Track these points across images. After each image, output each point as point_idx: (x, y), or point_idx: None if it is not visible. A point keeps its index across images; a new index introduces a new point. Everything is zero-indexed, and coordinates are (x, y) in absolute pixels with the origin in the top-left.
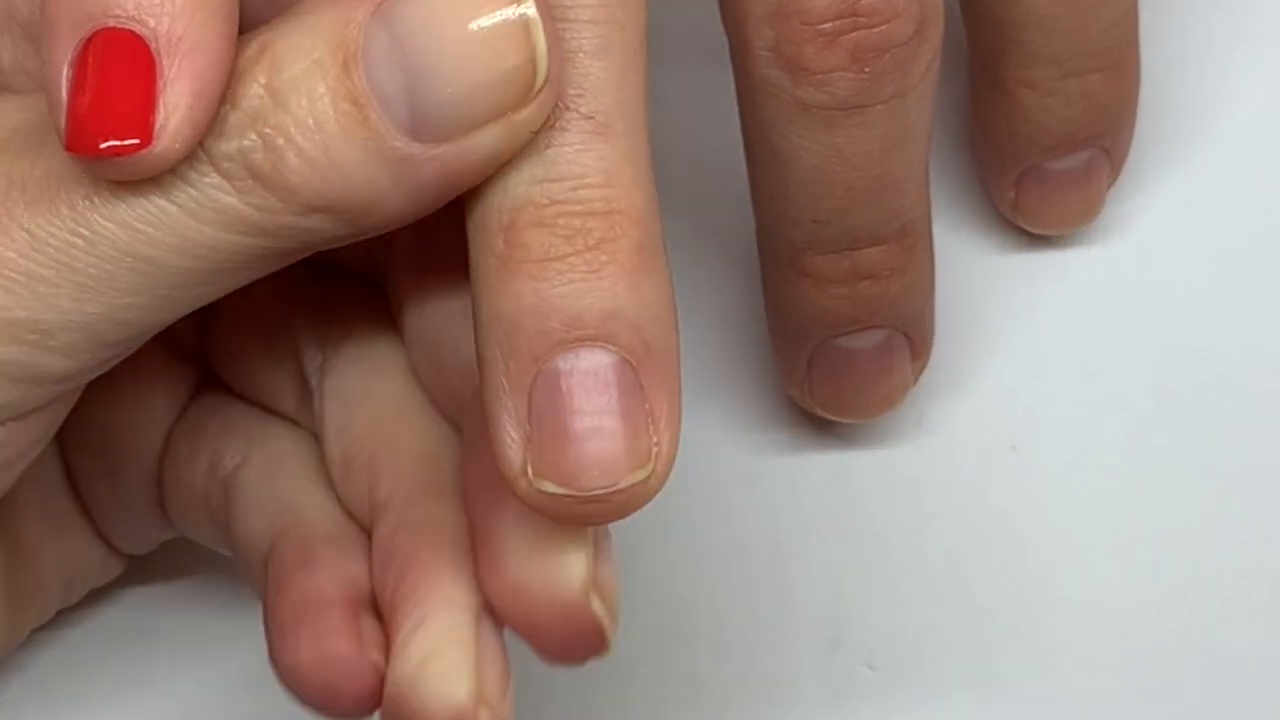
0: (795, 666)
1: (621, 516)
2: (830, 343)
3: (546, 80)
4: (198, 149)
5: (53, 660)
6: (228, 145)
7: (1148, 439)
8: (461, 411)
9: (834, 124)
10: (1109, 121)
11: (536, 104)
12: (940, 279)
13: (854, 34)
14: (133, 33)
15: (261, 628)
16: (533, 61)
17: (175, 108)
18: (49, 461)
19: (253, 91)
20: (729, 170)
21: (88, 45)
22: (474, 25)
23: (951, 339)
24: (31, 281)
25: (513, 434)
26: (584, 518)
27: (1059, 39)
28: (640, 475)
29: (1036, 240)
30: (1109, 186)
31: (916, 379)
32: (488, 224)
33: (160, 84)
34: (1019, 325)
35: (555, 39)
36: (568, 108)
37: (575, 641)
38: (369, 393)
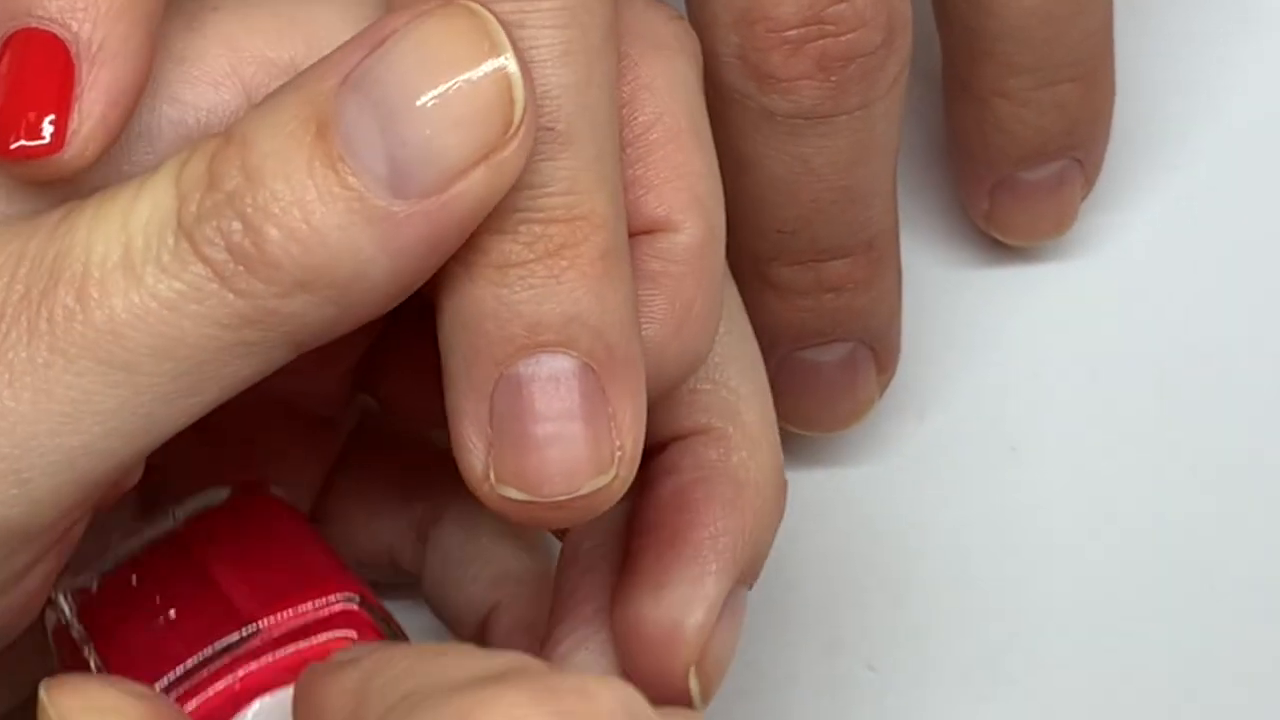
0: (795, 666)
1: (586, 519)
2: (795, 355)
3: (525, 114)
4: (179, 237)
5: None
6: (208, 227)
7: (1147, 440)
8: None
9: (800, 133)
10: (1083, 132)
11: (517, 141)
12: (941, 279)
13: (820, 42)
14: (53, 35)
15: None
16: (510, 95)
17: (89, 115)
18: None
19: (229, 173)
20: None
21: (7, 44)
22: (451, 77)
23: (952, 340)
24: (6, 421)
25: (475, 440)
26: (547, 522)
27: (1033, 49)
28: (603, 480)
29: (1019, 270)
30: (1083, 198)
31: (882, 393)
32: None
33: (77, 89)
34: (1020, 327)
35: (527, 71)
36: None
37: (662, 697)
38: None
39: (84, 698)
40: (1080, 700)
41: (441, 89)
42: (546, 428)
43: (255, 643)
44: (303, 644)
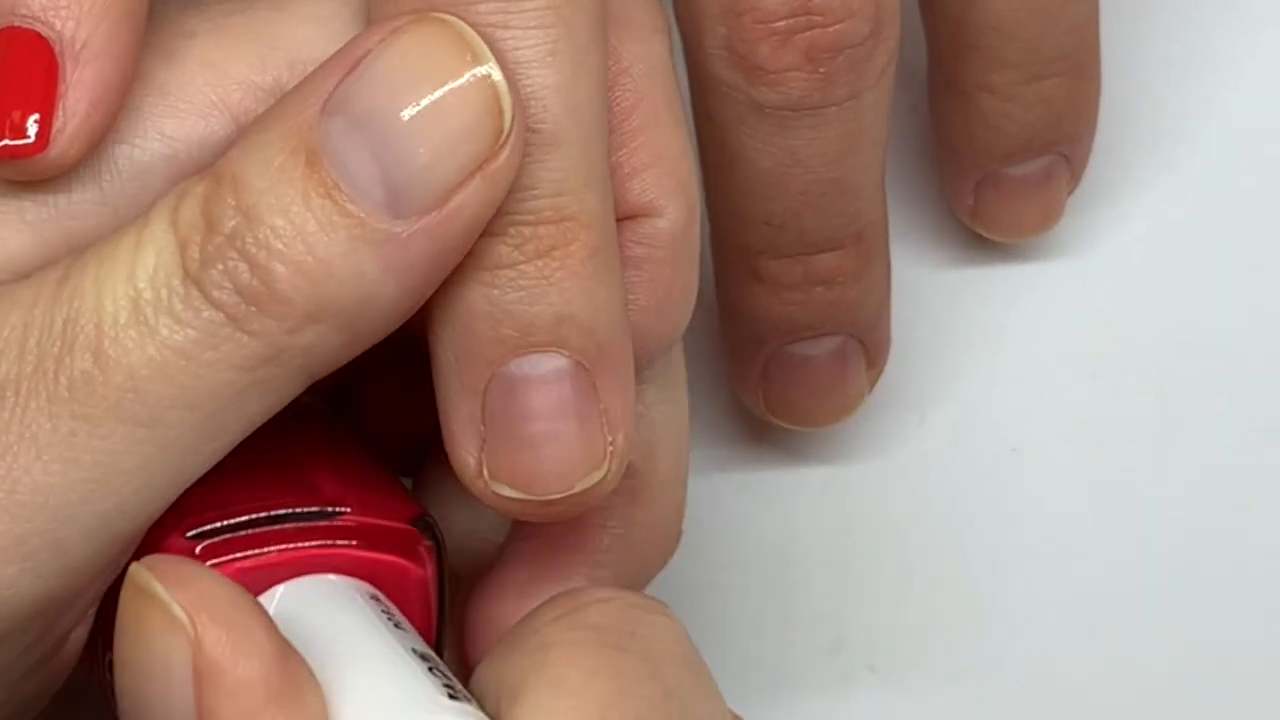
0: (796, 666)
1: (579, 513)
2: (785, 349)
3: (513, 122)
4: (188, 284)
5: None
6: (214, 271)
7: (1148, 441)
8: None
9: (788, 125)
10: (1069, 127)
11: (509, 149)
12: (940, 279)
13: (808, 33)
14: (37, 33)
15: None
16: (498, 104)
17: (73, 114)
18: None
19: (225, 214)
20: None
21: None
22: (432, 90)
23: (952, 340)
24: (40, 495)
25: (468, 438)
26: (542, 517)
27: (1019, 44)
28: (596, 476)
29: (1036, 239)
30: (1069, 193)
31: (872, 388)
32: None
33: (61, 88)
34: (1020, 327)
35: (512, 77)
36: None
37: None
38: None
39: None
40: (1080, 700)
41: (424, 103)
42: (540, 426)
43: (325, 524)
44: (368, 551)
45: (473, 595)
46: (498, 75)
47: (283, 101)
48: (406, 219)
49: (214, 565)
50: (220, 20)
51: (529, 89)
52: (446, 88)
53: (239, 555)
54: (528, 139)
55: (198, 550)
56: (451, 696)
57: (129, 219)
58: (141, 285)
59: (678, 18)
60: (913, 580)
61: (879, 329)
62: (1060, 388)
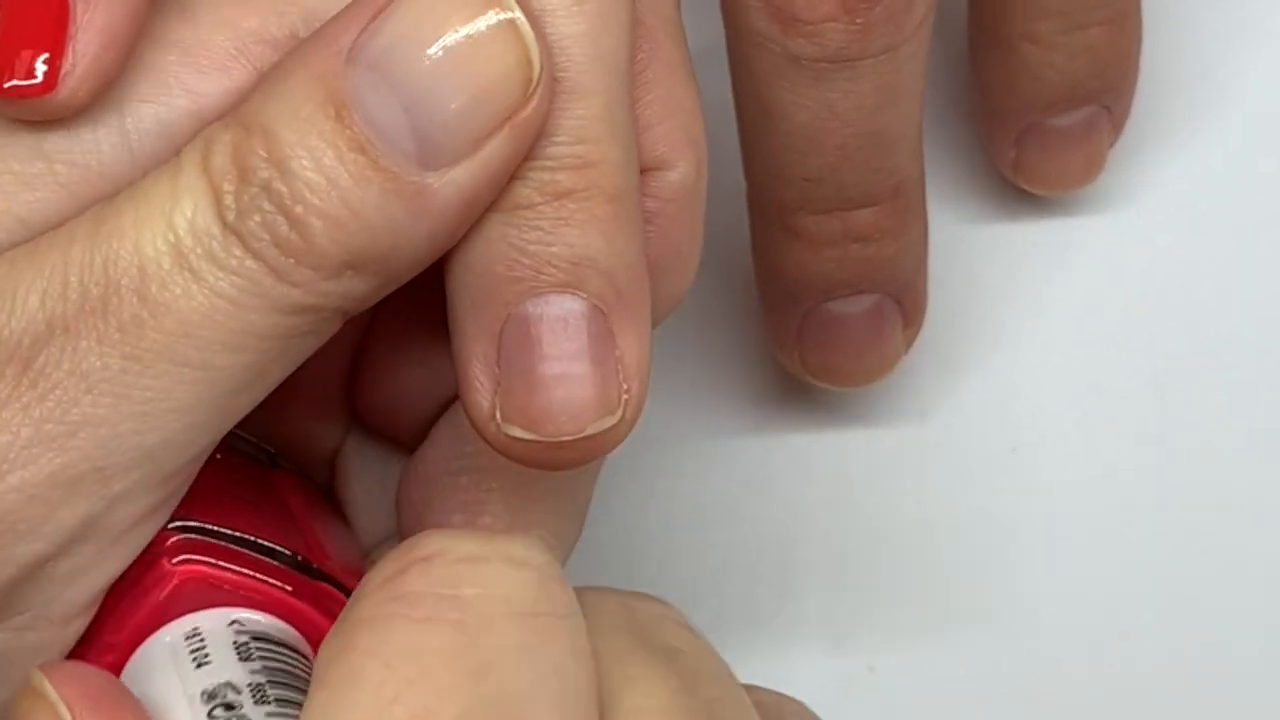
0: (795, 667)
1: (590, 461)
2: (821, 307)
3: (541, 72)
4: (227, 233)
5: None
6: (252, 223)
7: (1149, 440)
8: None
9: (825, 78)
10: (1111, 77)
11: (537, 98)
12: (937, 274)
13: None
14: None
15: None
16: (526, 55)
17: (83, 55)
18: None
19: (257, 165)
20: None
21: None
22: (455, 36)
23: (952, 340)
24: (89, 426)
25: (482, 379)
26: (552, 462)
27: None
28: (609, 421)
29: (1035, 236)
30: (1110, 146)
31: (908, 348)
32: None
33: (72, 29)
34: (1020, 327)
35: (539, 25)
36: None
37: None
38: None
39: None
40: (1081, 700)
41: (449, 48)
42: (554, 367)
43: (293, 570)
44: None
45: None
46: (521, 19)
47: (304, 48)
48: (437, 170)
49: (184, 563)
50: None
51: (554, 37)
52: (470, 30)
53: (211, 561)
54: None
55: (170, 541)
56: None
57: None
58: (182, 232)
59: None
60: (912, 580)
61: (916, 287)
62: (1061, 388)
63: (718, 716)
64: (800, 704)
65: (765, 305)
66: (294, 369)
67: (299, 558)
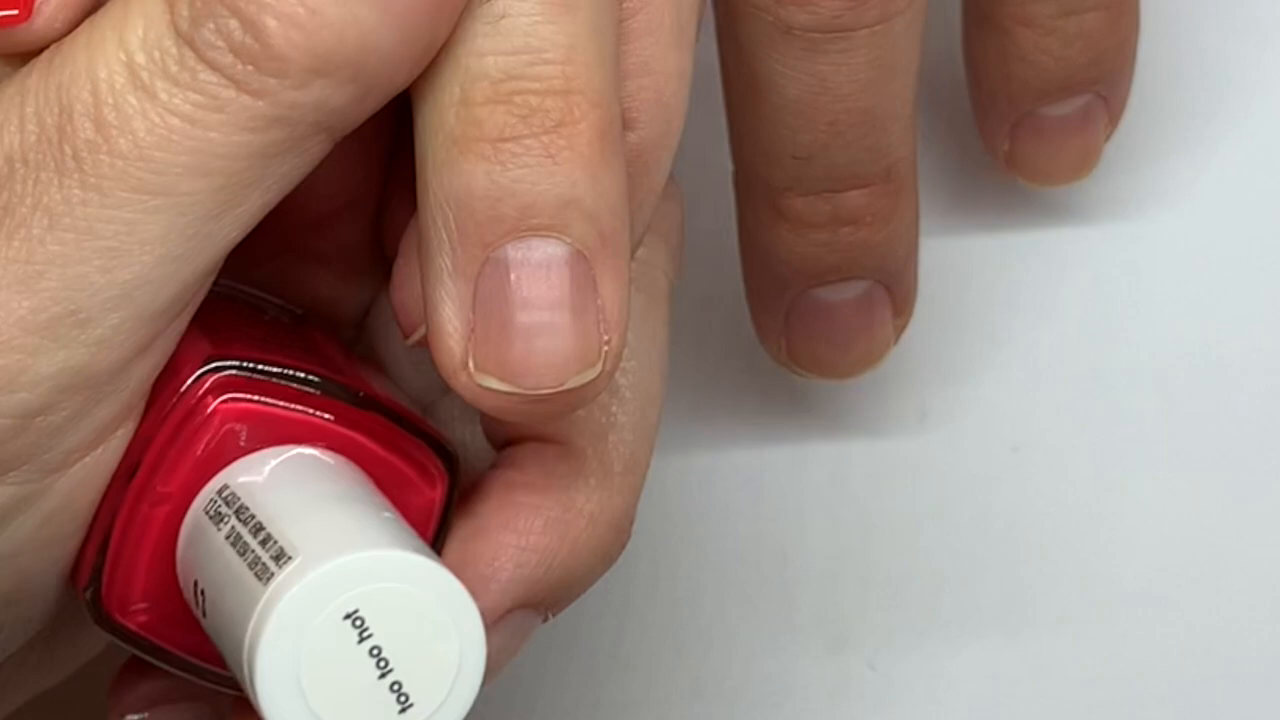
0: (795, 666)
1: (566, 415)
2: (809, 294)
3: None
4: (180, 45)
5: None
6: (206, 30)
7: (1150, 440)
8: None
9: (817, 49)
10: (1107, 64)
11: None
12: (937, 274)
13: None
14: None
15: None
16: None
17: None
18: None
19: None
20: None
21: None
22: None
23: (952, 339)
24: (55, 266)
25: (455, 324)
26: (527, 415)
27: None
28: (589, 374)
29: (1035, 235)
30: (1106, 138)
31: (898, 338)
32: (439, 99)
33: None
34: (1020, 327)
35: None
36: None
37: None
38: None
39: None
40: (1081, 700)
41: None
42: (534, 316)
43: (346, 405)
44: (379, 447)
45: None
46: None
47: None
48: None
49: (226, 401)
50: None
51: None
52: None
53: (253, 397)
54: None
55: (210, 381)
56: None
57: None
58: (134, 49)
59: None
60: (912, 579)
61: (907, 275)
62: (1061, 387)
63: None
64: None
65: (751, 293)
66: (281, 195)
67: (345, 386)
